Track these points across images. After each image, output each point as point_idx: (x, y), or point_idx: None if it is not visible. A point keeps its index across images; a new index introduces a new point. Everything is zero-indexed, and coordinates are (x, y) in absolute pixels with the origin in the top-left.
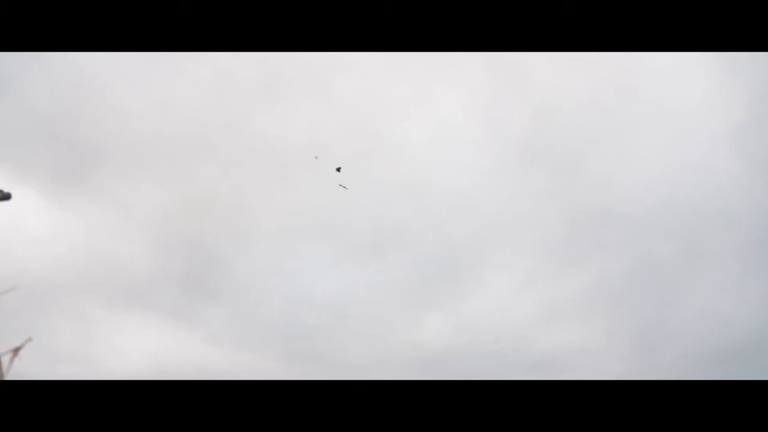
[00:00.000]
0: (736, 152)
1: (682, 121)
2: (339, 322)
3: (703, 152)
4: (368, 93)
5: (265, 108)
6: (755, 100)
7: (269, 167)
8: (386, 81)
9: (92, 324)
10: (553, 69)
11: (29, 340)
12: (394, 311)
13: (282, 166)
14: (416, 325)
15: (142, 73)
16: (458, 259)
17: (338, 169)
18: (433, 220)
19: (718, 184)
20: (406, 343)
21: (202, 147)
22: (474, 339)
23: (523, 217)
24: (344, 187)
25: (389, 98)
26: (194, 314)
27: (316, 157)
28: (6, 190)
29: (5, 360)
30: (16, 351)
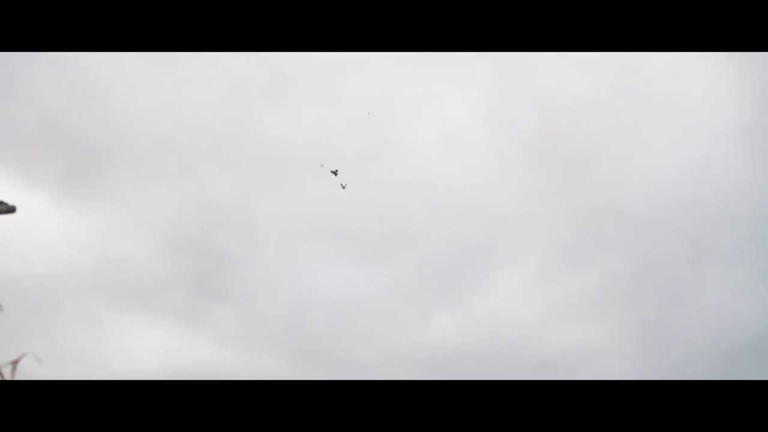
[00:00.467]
0: (743, 151)
1: (688, 120)
2: (346, 323)
3: (709, 152)
4: (375, 93)
5: (271, 109)
6: (762, 100)
7: (276, 168)
8: (393, 81)
9: (101, 326)
10: (561, 68)
11: (25, 355)
12: (402, 311)
13: (289, 167)
14: (423, 326)
15: (149, 74)
16: (465, 259)
17: (335, 172)
18: (440, 220)
19: (724, 184)
20: (414, 344)
21: (209, 149)
22: (481, 339)
23: (530, 217)
24: (343, 186)
25: (396, 98)
26: (203, 316)
27: (322, 165)
28: (11, 202)
29: (6, 371)
30: (14, 364)
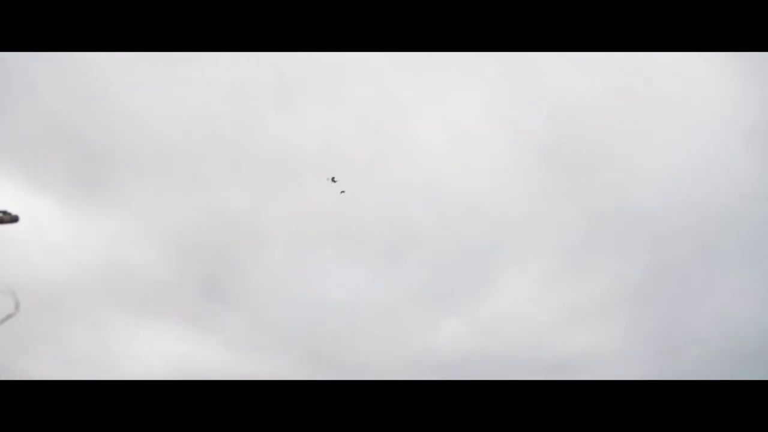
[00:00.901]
0: (753, 152)
1: (696, 121)
2: (356, 327)
3: (719, 153)
4: (382, 95)
5: (279, 112)
6: None
7: (284, 172)
8: (399, 83)
9: (111, 330)
10: (568, 69)
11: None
12: (412, 315)
13: (297, 170)
14: (433, 329)
15: (158, 78)
16: (474, 262)
17: (333, 179)
18: (449, 223)
19: (732, 185)
20: (424, 347)
21: (218, 153)
22: (491, 342)
23: (538, 219)
24: (342, 191)
25: (402, 100)
26: (211, 320)
27: (333, 180)
28: (14, 211)
29: None
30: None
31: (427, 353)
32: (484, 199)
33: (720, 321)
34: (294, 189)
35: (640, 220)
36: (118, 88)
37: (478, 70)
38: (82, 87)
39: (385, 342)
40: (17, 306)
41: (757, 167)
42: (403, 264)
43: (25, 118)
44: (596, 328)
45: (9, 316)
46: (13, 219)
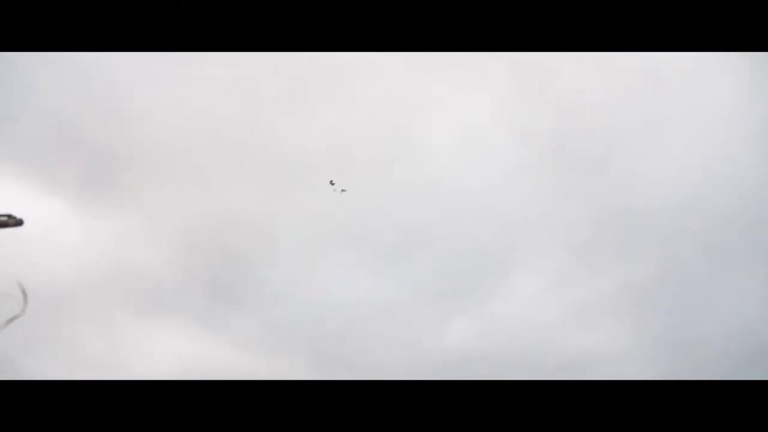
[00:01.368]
0: (763, 152)
1: (707, 121)
2: (365, 327)
3: (729, 152)
4: (391, 96)
5: (287, 113)
6: None
7: (293, 173)
8: (409, 83)
9: (120, 330)
10: (578, 69)
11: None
12: (420, 315)
13: (306, 171)
14: (441, 329)
15: (167, 78)
16: (483, 262)
17: (332, 182)
18: (457, 223)
19: (744, 185)
20: (432, 348)
21: (226, 154)
22: (499, 342)
23: (547, 219)
24: (344, 190)
25: (411, 101)
26: (220, 320)
27: (343, 190)
28: (18, 216)
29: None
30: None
31: (436, 354)
32: (492, 199)
33: (729, 321)
34: (304, 190)
35: (648, 220)
36: (127, 88)
37: (487, 70)
38: (90, 88)
39: (394, 343)
40: (24, 307)
41: None
42: (412, 264)
43: (33, 120)
44: (605, 327)
45: (15, 317)
46: (18, 222)
